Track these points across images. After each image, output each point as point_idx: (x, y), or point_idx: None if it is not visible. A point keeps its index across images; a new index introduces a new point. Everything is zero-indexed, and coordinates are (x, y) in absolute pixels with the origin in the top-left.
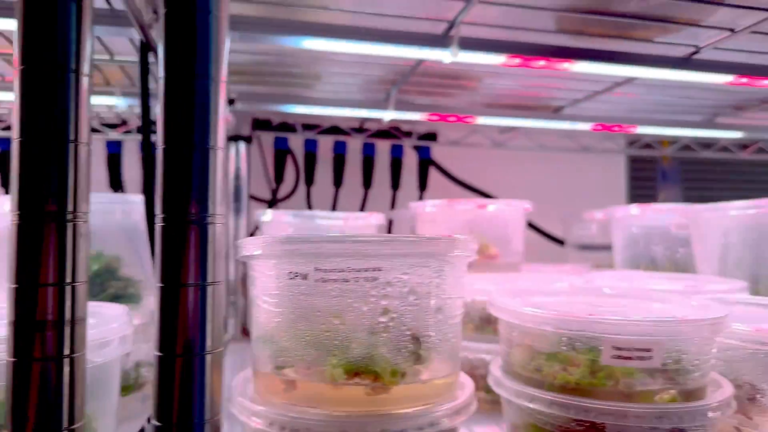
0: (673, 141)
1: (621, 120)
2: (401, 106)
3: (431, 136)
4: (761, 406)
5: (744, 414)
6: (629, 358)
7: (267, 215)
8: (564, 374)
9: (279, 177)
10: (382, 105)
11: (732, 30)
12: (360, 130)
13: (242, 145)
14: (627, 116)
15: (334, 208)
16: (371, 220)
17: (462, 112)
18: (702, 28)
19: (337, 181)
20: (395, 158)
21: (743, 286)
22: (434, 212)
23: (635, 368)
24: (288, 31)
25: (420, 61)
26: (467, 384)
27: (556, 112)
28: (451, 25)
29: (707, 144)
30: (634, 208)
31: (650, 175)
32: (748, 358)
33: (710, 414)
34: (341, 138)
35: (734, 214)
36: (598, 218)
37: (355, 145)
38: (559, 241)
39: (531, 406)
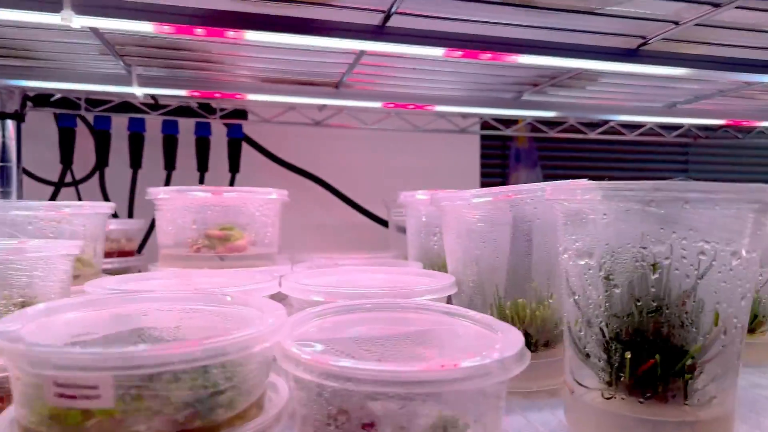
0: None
1: (419, 99)
2: (154, 81)
3: (241, 114)
4: None
5: None
6: (73, 396)
7: None
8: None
9: (66, 159)
10: (126, 81)
11: None
12: (155, 106)
13: (9, 123)
14: (428, 95)
15: (132, 193)
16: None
17: (230, 89)
18: None
19: (135, 162)
20: (201, 137)
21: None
22: (167, 200)
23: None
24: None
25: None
26: None
27: (336, 89)
28: None
29: (556, 123)
30: (422, 194)
31: (506, 155)
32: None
33: None
34: (136, 115)
35: (476, 202)
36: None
37: (155, 123)
38: (385, 223)
39: None
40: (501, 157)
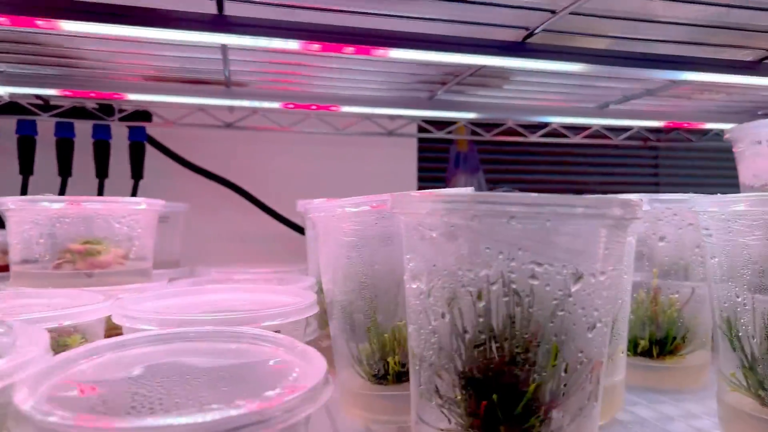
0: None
1: (324, 99)
2: (17, 80)
3: (144, 115)
4: None
5: None
6: None
7: None
8: None
9: None
10: None
11: None
12: (46, 107)
13: None
14: (332, 94)
15: None
16: None
17: (107, 88)
18: None
19: (25, 168)
20: (99, 141)
21: None
22: (15, 210)
23: None
24: None
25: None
26: None
27: (227, 87)
28: None
29: (494, 125)
30: (320, 202)
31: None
32: None
33: None
34: (24, 117)
35: (344, 212)
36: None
37: (47, 126)
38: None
39: None
40: (443, 161)
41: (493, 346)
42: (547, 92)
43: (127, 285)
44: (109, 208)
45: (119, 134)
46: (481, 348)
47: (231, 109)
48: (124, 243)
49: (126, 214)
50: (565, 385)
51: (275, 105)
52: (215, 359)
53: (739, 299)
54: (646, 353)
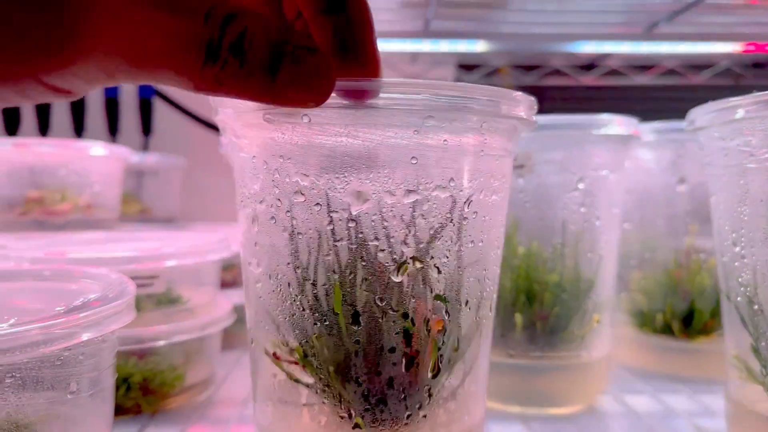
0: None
1: None
2: None
3: None
4: None
5: None
6: None
7: None
8: None
9: None
10: None
11: None
12: None
13: None
14: None
15: None
16: None
17: None
18: None
19: (43, 127)
20: (109, 98)
21: None
22: None
23: None
24: None
25: None
26: None
27: None
28: None
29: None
30: None
31: None
32: None
33: None
34: None
35: None
36: None
37: None
38: None
39: None
40: None
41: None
42: (566, 11)
43: (85, 234)
44: (62, 154)
45: (128, 90)
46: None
47: None
48: (86, 191)
49: (82, 161)
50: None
51: None
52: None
53: (738, 250)
54: (668, 330)
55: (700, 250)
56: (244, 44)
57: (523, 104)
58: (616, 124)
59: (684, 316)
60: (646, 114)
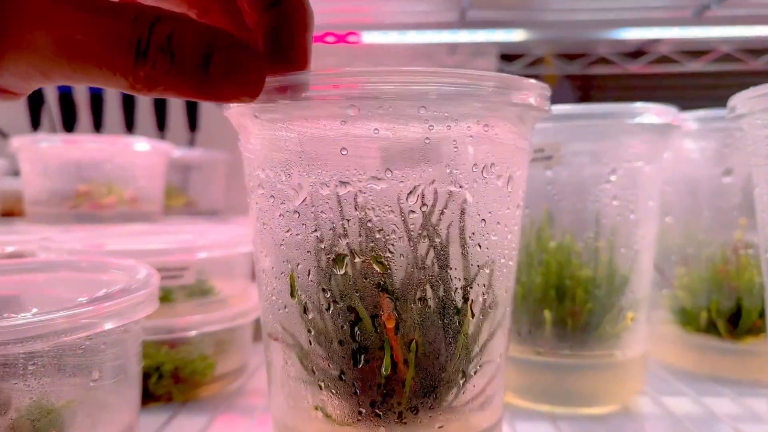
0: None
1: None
2: None
3: None
4: None
5: None
6: None
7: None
8: None
9: None
10: None
11: None
12: None
13: None
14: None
15: None
16: None
17: None
18: None
19: (97, 124)
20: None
21: None
22: (22, 151)
23: None
24: None
25: None
26: None
27: None
28: None
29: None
30: None
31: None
32: None
33: None
34: None
35: None
36: None
37: None
38: None
39: None
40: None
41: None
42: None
43: (128, 226)
44: (108, 149)
45: None
46: None
47: None
48: (128, 184)
49: (127, 156)
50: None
51: None
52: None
53: None
54: (713, 329)
55: (749, 245)
56: (172, 43)
57: (530, 90)
58: (652, 113)
59: (730, 315)
60: (699, 103)
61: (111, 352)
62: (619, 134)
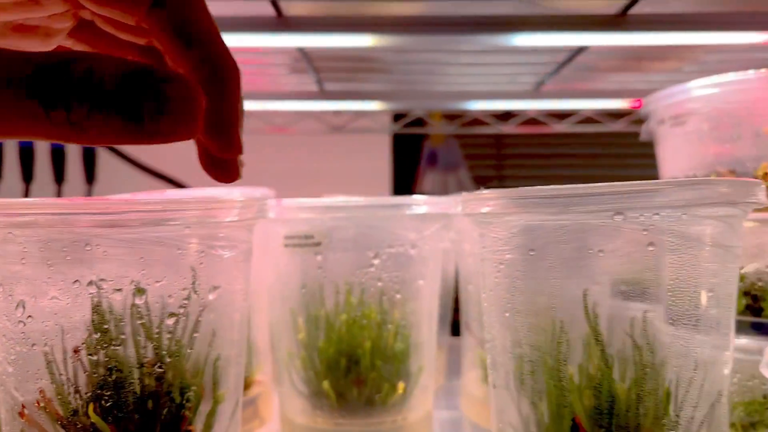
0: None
1: None
2: None
3: None
4: None
5: None
6: None
7: None
8: None
9: None
10: None
11: None
12: None
13: None
14: None
15: None
16: None
17: None
18: None
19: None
20: (55, 149)
21: None
22: None
23: None
24: None
25: None
26: None
27: None
28: None
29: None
30: None
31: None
32: None
33: None
34: None
35: None
36: None
37: None
38: None
39: None
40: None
41: None
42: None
43: None
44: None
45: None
46: None
47: None
48: None
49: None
50: None
51: None
52: None
53: None
54: None
55: None
56: (93, 80)
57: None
58: (421, 204)
59: None
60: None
61: None
62: (381, 221)
